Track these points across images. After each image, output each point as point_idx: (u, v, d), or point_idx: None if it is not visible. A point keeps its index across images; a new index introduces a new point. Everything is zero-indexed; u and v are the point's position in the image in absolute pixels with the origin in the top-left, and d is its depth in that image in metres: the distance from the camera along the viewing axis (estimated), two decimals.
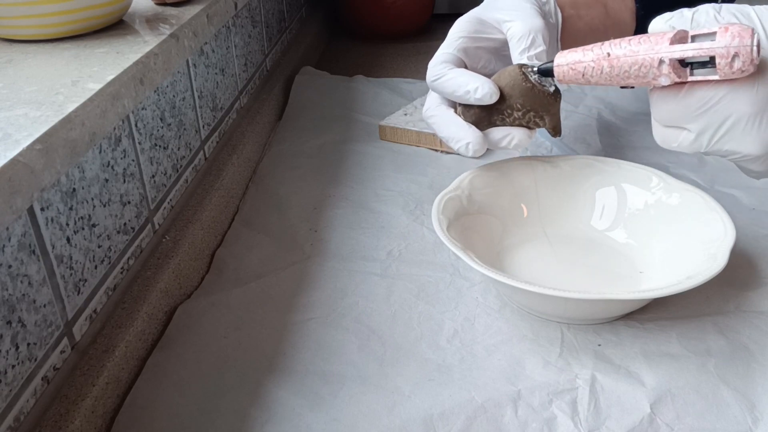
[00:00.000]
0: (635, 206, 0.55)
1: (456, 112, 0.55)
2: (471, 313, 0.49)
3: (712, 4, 0.47)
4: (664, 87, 0.46)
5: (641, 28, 0.67)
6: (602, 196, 0.57)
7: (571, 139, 0.74)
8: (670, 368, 0.44)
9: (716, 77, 0.43)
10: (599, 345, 0.46)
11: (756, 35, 0.42)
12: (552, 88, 0.53)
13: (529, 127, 0.54)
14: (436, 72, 0.55)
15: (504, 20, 0.57)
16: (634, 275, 0.52)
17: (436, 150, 0.73)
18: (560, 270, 0.53)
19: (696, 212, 0.51)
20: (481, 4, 0.60)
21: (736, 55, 0.42)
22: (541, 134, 0.74)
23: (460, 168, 0.68)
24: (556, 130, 0.54)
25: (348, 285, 0.53)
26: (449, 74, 0.54)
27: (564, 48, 0.64)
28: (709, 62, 0.43)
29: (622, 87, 0.51)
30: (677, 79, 0.45)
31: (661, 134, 0.48)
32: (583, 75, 0.49)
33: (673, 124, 0.47)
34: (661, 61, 0.45)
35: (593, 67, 0.48)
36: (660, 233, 0.53)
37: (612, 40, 0.48)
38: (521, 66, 0.53)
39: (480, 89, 0.52)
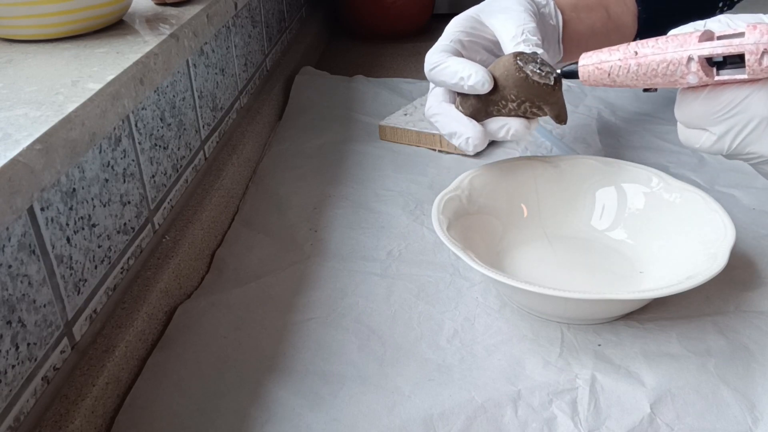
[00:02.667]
0: (635, 206, 0.55)
1: (456, 105, 0.55)
2: (471, 313, 0.49)
3: (726, 14, 0.47)
4: (686, 89, 0.46)
5: (643, 31, 0.67)
6: (602, 196, 0.57)
7: (571, 139, 0.74)
8: (670, 368, 0.44)
9: (744, 76, 0.43)
10: (599, 345, 0.46)
11: None
12: (551, 78, 0.51)
13: (527, 117, 0.53)
14: (433, 60, 0.55)
15: (495, 23, 0.57)
16: (634, 275, 0.52)
17: (436, 150, 0.73)
18: (560, 270, 0.53)
19: (696, 212, 0.51)
20: (476, 6, 0.60)
21: (765, 52, 0.42)
22: (542, 134, 0.74)
23: (460, 168, 0.68)
24: (559, 118, 0.53)
25: (348, 285, 0.53)
26: (446, 62, 0.54)
27: (566, 51, 0.64)
28: (736, 62, 0.43)
29: (644, 90, 0.51)
30: (705, 78, 0.44)
31: (684, 135, 0.48)
32: (609, 74, 0.49)
33: (696, 126, 0.47)
34: (690, 59, 0.44)
35: (620, 66, 0.48)
36: (660, 233, 0.53)
37: (638, 41, 0.47)
38: (516, 55, 0.51)
39: (473, 76, 0.51)
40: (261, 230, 0.61)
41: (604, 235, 0.56)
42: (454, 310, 0.50)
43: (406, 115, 0.77)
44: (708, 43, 0.44)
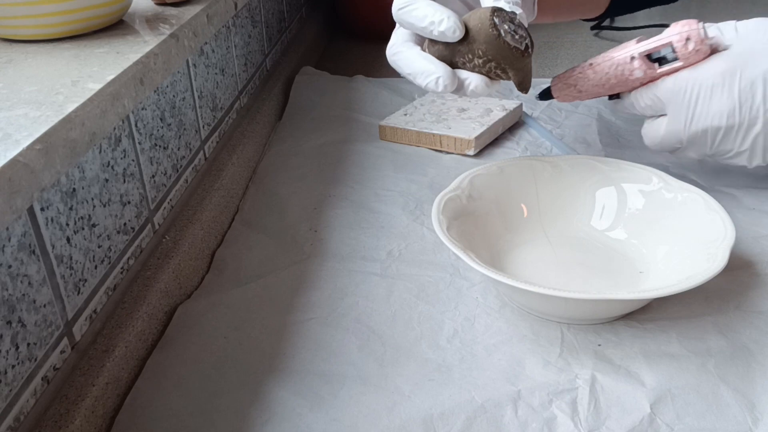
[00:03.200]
0: (635, 206, 0.55)
1: (422, 48, 0.53)
2: (471, 313, 0.49)
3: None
4: (641, 87, 0.57)
5: (617, 1, 0.71)
6: (602, 196, 0.57)
7: (571, 139, 0.74)
8: (670, 368, 0.44)
9: (680, 63, 0.54)
10: (599, 345, 0.46)
11: (701, 23, 0.53)
12: (523, 44, 0.50)
13: (489, 77, 0.51)
14: (403, 0, 0.52)
15: None
16: (634, 275, 0.52)
17: (437, 150, 0.73)
18: (560, 270, 0.53)
19: (696, 212, 0.51)
20: None
21: (688, 38, 0.53)
22: (542, 134, 0.74)
23: (460, 168, 0.68)
24: (522, 86, 0.52)
25: (348, 285, 0.53)
26: (416, 4, 0.51)
27: (540, 12, 0.64)
28: (673, 57, 0.54)
29: (609, 98, 0.61)
30: (648, 71, 0.55)
31: (648, 135, 0.58)
32: (576, 86, 0.60)
33: (653, 112, 0.57)
34: (632, 57, 0.56)
35: (581, 76, 0.59)
36: (660, 233, 0.53)
37: (593, 57, 0.59)
38: (494, 10, 0.49)
39: (445, 22, 0.49)
40: (261, 230, 0.61)
41: (604, 235, 0.56)
42: (454, 310, 0.50)
43: (406, 115, 0.77)
44: (643, 42, 0.55)
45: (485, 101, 0.79)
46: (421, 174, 0.69)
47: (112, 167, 0.46)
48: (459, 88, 0.52)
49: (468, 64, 0.51)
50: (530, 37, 0.51)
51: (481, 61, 0.50)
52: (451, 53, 0.51)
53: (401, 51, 0.53)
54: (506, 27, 0.49)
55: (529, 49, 0.51)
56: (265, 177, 0.70)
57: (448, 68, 0.51)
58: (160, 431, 0.41)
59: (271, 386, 0.44)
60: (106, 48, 0.47)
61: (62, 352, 0.40)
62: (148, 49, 0.47)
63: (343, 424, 0.41)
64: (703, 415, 0.41)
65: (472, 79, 0.51)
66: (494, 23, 0.49)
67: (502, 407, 0.42)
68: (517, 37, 0.50)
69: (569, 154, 0.63)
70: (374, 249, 0.57)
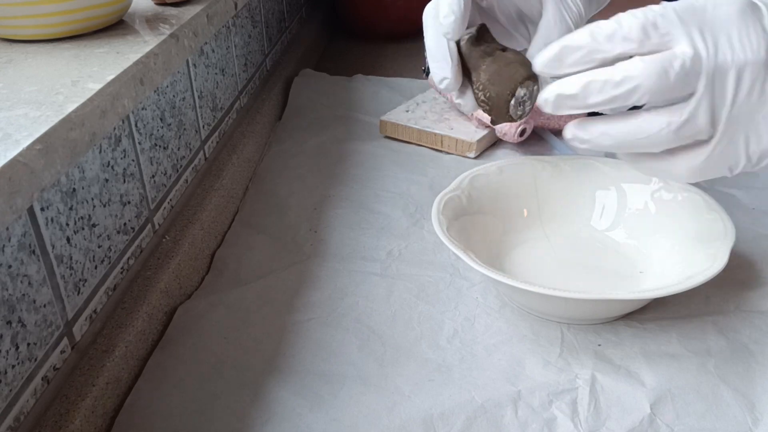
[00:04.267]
0: (635, 206, 0.55)
1: (461, 37, 0.51)
2: (471, 313, 0.49)
3: None
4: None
5: None
6: (602, 196, 0.57)
7: None
8: (670, 368, 0.44)
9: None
10: (599, 345, 0.46)
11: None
12: (518, 115, 0.50)
13: (478, 105, 0.53)
14: None
15: (550, 5, 0.50)
16: (634, 275, 0.52)
17: (437, 149, 0.73)
18: (560, 270, 0.53)
19: (696, 212, 0.51)
20: None
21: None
22: (541, 133, 0.74)
23: (460, 168, 0.68)
24: (493, 123, 0.54)
25: (348, 285, 0.53)
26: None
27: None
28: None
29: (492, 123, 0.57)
30: None
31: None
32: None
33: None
34: None
35: None
36: (660, 233, 0.53)
37: None
38: (527, 78, 0.48)
39: (448, 20, 0.47)
40: (261, 230, 0.61)
41: (604, 235, 0.56)
42: (454, 310, 0.50)
43: (407, 111, 0.77)
44: None
45: None
46: (421, 174, 0.69)
47: (112, 167, 0.46)
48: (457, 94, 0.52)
49: (472, 86, 0.52)
50: (530, 109, 0.52)
51: (481, 98, 0.51)
52: (474, 64, 0.51)
53: (431, 27, 0.51)
54: (523, 97, 0.49)
55: (521, 119, 0.51)
56: (265, 177, 0.70)
57: (460, 78, 0.51)
58: (160, 431, 0.41)
59: (271, 386, 0.44)
60: (106, 48, 0.47)
61: (62, 352, 0.40)
62: (148, 49, 0.47)
63: (343, 424, 0.41)
64: (703, 415, 0.41)
65: (468, 101, 0.52)
66: (514, 93, 0.49)
67: (502, 407, 0.42)
68: (520, 108, 0.50)
69: (569, 154, 0.63)
70: (374, 249, 0.57)
